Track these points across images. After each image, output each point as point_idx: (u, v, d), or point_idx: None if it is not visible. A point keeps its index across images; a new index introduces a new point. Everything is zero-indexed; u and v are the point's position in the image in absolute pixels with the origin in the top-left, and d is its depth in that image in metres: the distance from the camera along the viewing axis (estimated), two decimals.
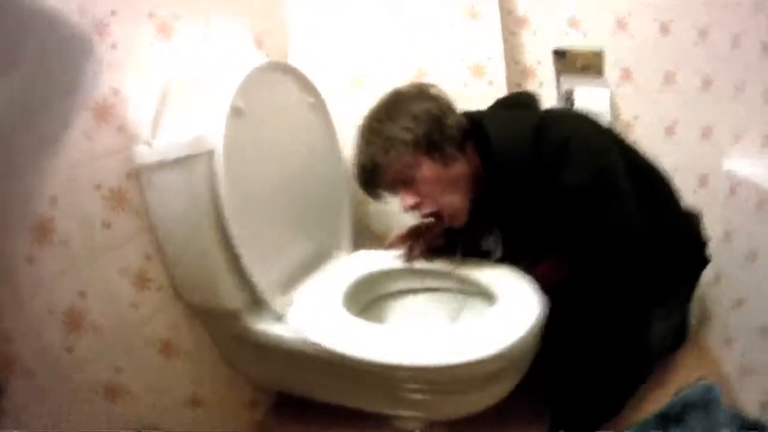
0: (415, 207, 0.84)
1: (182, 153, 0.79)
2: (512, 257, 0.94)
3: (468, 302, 0.99)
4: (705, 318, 1.34)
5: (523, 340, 0.74)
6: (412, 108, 0.81)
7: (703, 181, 1.30)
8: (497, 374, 0.80)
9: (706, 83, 1.24)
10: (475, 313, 0.98)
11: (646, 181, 0.89)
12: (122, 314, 0.83)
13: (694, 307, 1.32)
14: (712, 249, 1.25)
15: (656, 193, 0.92)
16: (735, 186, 1.21)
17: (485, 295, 0.93)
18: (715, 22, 1.20)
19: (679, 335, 1.16)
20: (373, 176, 0.84)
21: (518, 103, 0.90)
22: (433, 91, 0.85)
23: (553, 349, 0.86)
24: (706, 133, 1.27)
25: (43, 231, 0.72)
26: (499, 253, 0.92)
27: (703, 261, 0.99)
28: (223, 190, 0.79)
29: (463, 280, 0.96)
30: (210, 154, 0.79)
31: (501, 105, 0.94)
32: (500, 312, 0.81)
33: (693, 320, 1.33)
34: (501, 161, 0.81)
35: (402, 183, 0.83)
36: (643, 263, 0.81)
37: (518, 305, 0.82)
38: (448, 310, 1.00)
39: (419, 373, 0.75)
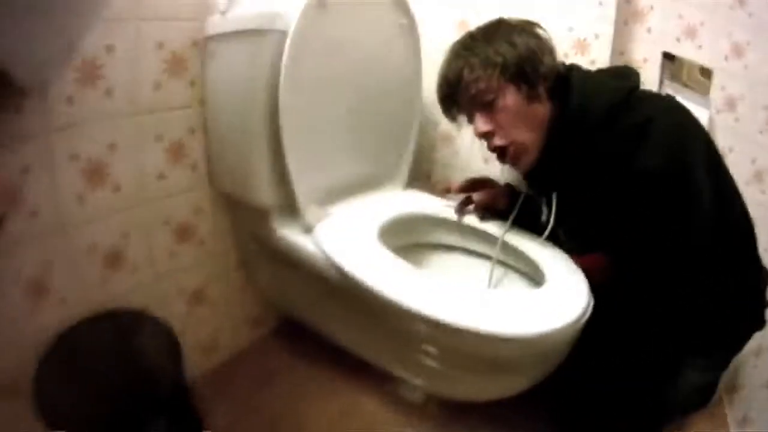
0: (486, 134, 0.79)
1: (254, 25, 0.74)
2: (565, 233, 0.87)
3: (507, 276, 0.91)
4: (733, 387, 1.23)
5: (567, 329, 0.66)
6: (512, 36, 0.77)
7: None
8: (523, 362, 0.73)
9: None
10: (515, 289, 0.90)
11: (730, 208, 0.79)
12: (147, 181, 0.79)
13: (726, 373, 1.25)
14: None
15: (736, 226, 0.82)
16: None
17: (529, 272, 0.86)
18: None
19: (705, 395, 1.07)
20: (454, 92, 0.79)
21: (618, 74, 0.84)
22: (538, 29, 0.80)
23: (575, 362, 0.78)
24: None
25: (89, 75, 0.68)
26: (551, 225, 0.85)
27: (760, 322, 0.88)
28: (285, 76, 0.73)
29: (510, 251, 0.88)
30: (282, 34, 0.73)
31: (599, 70, 0.87)
32: (548, 294, 0.73)
33: (721, 385, 1.25)
34: (576, 118, 0.76)
35: (480, 106, 0.78)
36: (701, 277, 0.73)
37: (567, 292, 0.74)
38: (486, 277, 0.92)
39: (446, 332, 0.66)
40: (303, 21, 0.73)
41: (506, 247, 0.88)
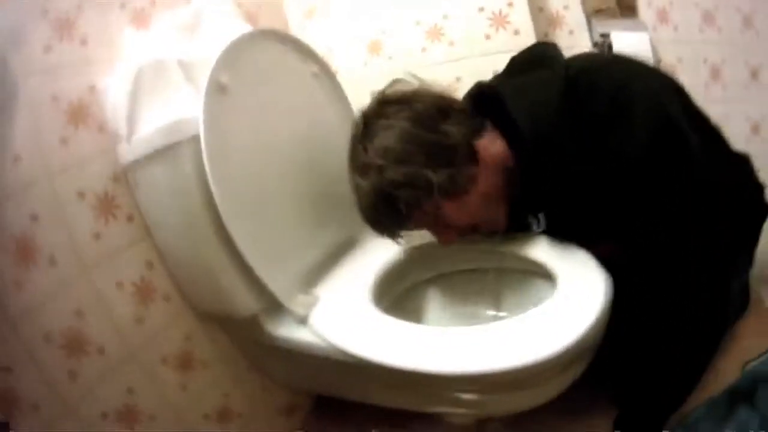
0: (453, 239, 0.78)
1: (162, 142, 0.69)
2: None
3: (513, 281, 0.89)
4: (766, 281, 1.20)
5: (590, 331, 0.63)
6: (411, 140, 0.70)
7: (755, 128, 1.15)
8: (558, 369, 0.69)
9: (747, 21, 1.08)
10: (523, 293, 0.88)
11: (701, 125, 0.76)
12: (127, 331, 0.75)
13: (755, 267, 1.23)
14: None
15: (710, 137, 0.79)
16: None
17: (538, 271, 0.82)
18: None
19: (744, 299, 1.04)
20: (395, 220, 0.76)
21: (535, 60, 0.76)
22: (418, 101, 0.73)
23: (617, 332, 0.74)
24: (755, 73, 1.11)
25: (26, 253, 0.64)
26: (543, 227, 0.81)
27: (765, 208, 0.87)
28: (213, 180, 0.67)
29: (512, 257, 0.85)
30: (193, 139, 0.68)
31: (516, 67, 0.80)
32: (560, 298, 0.69)
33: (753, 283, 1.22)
34: (534, 144, 0.68)
35: (426, 225, 0.76)
36: (721, 227, 0.68)
37: (581, 287, 0.70)
38: (491, 291, 0.90)
39: (464, 380, 0.65)
40: (208, 115, 0.68)
41: (506, 255, 0.85)
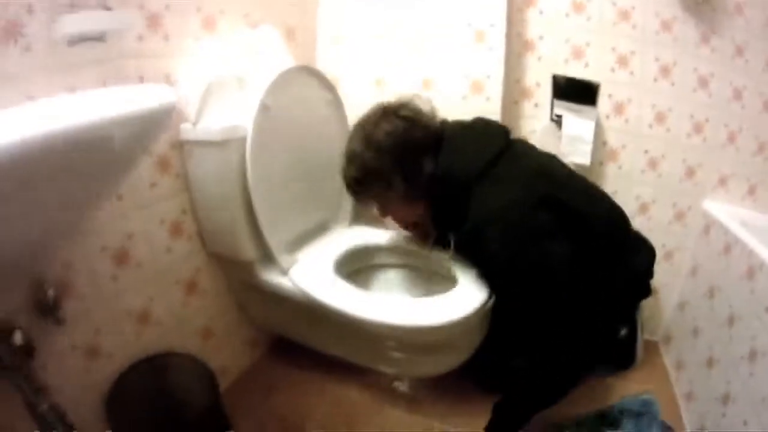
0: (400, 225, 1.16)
1: (219, 137, 0.98)
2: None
3: (434, 280, 1.20)
4: (667, 340, 1.44)
5: (471, 316, 0.95)
6: (395, 152, 0.99)
7: (679, 216, 1.38)
8: (451, 342, 1.01)
9: (698, 128, 1.29)
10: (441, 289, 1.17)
11: (591, 233, 0.95)
12: (159, 255, 1.04)
13: (660, 328, 1.46)
14: (680, 281, 1.37)
15: (606, 245, 0.98)
16: (709, 226, 1.28)
17: (447, 274, 1.14)
18: (718, 73, 1.23)
19: (626, 354, 1.23)
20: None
21: (482, 136, 1.02)
22: (419, 127, 1.00)
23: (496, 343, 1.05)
24: (690, 173, 1.33)
25: None
26: (452, 248, 1.11)
27: (645, 292, 1.07)
28: (250, 169, 1.00)
29: (434, 262, 1.19)
30: (242, 140, 0.99)
31: (472, 127, 1.05)
32: (456, 294, 1.00)
33: (656, 339, 1.46)
34: (443, 183, 0.98)
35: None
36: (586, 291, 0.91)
37: (471, 291, 1.01)
38: (420, 284, 1.24)
39: (386, 330, 0.96)
40: (256, 126, 0.99)
41: (430, 260, 1.18)
